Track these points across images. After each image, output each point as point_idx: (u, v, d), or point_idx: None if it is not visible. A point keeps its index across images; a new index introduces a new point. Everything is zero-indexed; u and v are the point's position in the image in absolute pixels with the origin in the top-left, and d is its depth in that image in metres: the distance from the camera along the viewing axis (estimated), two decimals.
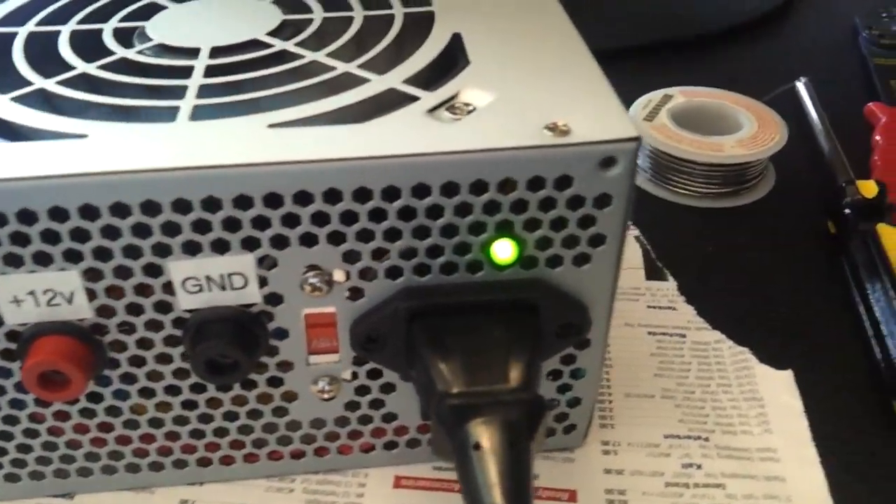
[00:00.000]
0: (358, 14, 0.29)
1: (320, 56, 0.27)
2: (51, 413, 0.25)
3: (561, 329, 0.24)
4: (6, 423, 0.25)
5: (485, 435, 0.20)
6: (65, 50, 0.27)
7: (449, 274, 0.24)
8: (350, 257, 0.23)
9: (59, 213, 0.21)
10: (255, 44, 0.28)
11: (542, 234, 0.23)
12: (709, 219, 0.40)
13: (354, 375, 0.26)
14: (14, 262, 0.22)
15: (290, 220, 0.22)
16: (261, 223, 0.22)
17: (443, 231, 0.23)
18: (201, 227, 0.22)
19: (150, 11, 0.30)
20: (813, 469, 0.28)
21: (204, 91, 0.25)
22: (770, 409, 0.30)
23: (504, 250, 0.23)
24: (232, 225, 0.22)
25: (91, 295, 0.23)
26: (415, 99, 0.24)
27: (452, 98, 0.24)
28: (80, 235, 0.22)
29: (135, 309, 0.23)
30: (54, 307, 0.23)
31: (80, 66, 0.26)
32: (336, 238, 0.22)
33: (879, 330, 0.31)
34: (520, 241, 0.23)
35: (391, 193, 0.22)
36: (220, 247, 0.22)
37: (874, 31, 0.54)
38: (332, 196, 0.22)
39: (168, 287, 0.23)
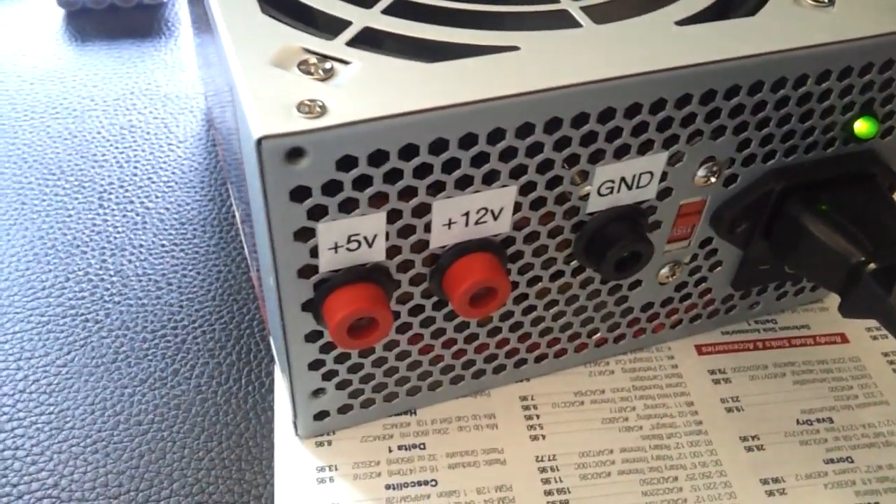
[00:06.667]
0: None
1: None
2: (430, 332, 0.25)
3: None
4: (387, 349, 0.25)
5: None
6: None
7: (807, 153, 0.26)
8: (743, 146, 0.24)
9: (525, 130, 0.21)
10: None
11: (891, 109, 0.26)
12: None
13: (694, 258, 0.28)
14: (464, 184, 0.22)
15: (712, 115, 0.23)
16: (687, 121, 0.23)
17: (823, 112, 0.25)
18: (638, 130, 0.22)
19: None
20: None
21: None
22: None
23: (866, 126, 0.25)
24: (664, 125, 0.23)
25: (516, 209, 0.23)
26: None
27: None
28: (534, 150, 0.22)
29: (547, 218, 0.24)
30: (480, 225, 0.23)
31: None
32: (739, 128, 0.24)
33: None
34: (876, 117, 0.25)
35: (800, 81, 0.23)
36: (645, 147, 0.23)
37: None
38: (755, 88, 0.23)
39: (585, 194, 0.23)
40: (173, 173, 0.36)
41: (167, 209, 0.34)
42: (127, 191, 0.35)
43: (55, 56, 0.42)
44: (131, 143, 0.37)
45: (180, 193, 0.35)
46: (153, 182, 0.35)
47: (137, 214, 0.34)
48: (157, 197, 0.35)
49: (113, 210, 0.34)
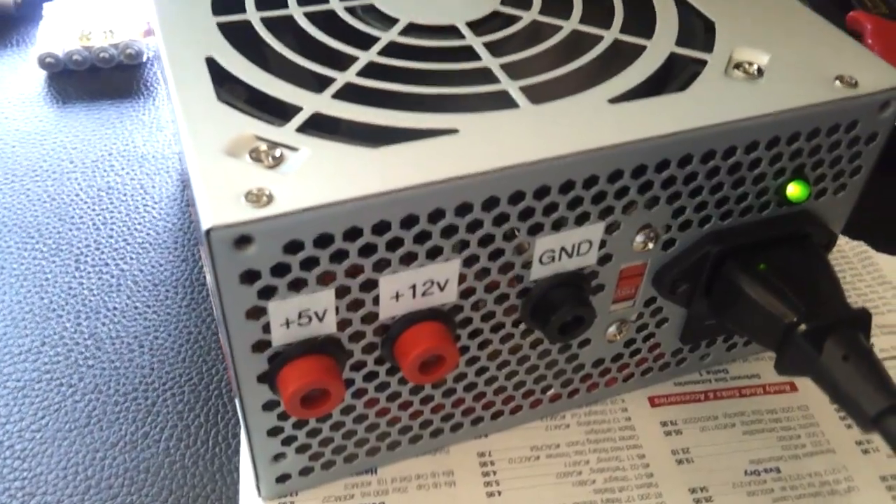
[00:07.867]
0: None
1: (577, 25, 0.28)
2: (385, 396, 0.26)
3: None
4: (344, 413, 0.26)
5: (848, 346, 0.24)
6: (320, 35, 0.27)
7: (743, 216, 0.27)
8: (678, 213, 0.26)
9: (464, 209, 0.22)
10: (498, 15, 0.29)
11: (822, 172, 0.27)
12: None
13: (640, 316, 0.29)
14: (409, 259, 0.23)
15: (645, 187, 0.24)
16: (620, 193, 0.24)
17: (754, 179, 0.26)
18: (573, 204, 0.24)
19: None
20: None
21: (510, 71, 0.26)
22: None
23: (798, 190, 0.27)
24: (598, 199, 0.24)
25: (461, 279, 0.24)
26: (701, 62, 0.26)
27: (730, 58, 0.27)
28: (474, 226, 0.23)
29: (492, 287, 0.25)
30: (428, 296, 0.24)
31: (363, 56, 0.26)
32: (673, 198, 0.25)
33: None
34: (807, 181, 0.27)
35: (729, 152, 0.25)
36: (582, 219, 0.24)
37: None
38: (684, 161, 0.24)
39: (527, 263, 0.25)
40: (147, 234, 0.37)
41: (141, 271, 0.35)
42: (103, 253, 0.36)
43: (36, 118, 0.43)
44: (108, 204, 0.38)
45: (154, 254, 0.36)
46: (128, 244, 0.37)
47: (112, 276, 0.35)
48: (131, 258, 0.36)
49: (89, 273, 0.35)
